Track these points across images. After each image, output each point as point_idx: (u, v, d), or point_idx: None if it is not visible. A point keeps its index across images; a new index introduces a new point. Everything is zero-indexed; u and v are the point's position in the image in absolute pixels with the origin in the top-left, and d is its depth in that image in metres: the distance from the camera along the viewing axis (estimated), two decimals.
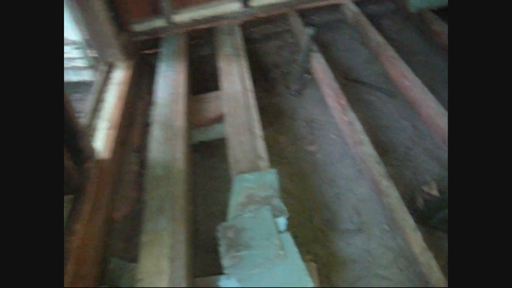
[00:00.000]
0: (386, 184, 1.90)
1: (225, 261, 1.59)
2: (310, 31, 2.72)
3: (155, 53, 3.05)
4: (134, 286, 1.60)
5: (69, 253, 1.56)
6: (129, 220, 2.12)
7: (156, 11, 3.12)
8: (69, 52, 2.82)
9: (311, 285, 1.51)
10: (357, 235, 2.02)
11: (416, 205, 2.06)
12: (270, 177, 1.94)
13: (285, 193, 2.18)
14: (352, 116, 2.32)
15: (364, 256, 1.93)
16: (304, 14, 3.43)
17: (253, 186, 1.90)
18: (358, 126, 2.25)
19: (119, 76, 2.70)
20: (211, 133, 2.60)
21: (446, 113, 2.23)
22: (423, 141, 2.45)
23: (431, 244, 1.74)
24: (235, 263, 1.58)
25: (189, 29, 3.21)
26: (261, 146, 2.16)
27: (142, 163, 2.30)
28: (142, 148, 2.43)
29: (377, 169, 1.98)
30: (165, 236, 1.73)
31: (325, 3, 3.38)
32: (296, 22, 3.22)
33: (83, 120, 2.30)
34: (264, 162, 2.07)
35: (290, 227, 1.79)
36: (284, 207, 1.78)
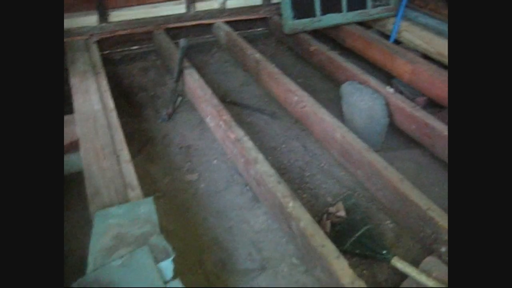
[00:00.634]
0: (293, 206, 1.55)
1: None
2: (184, 42, 2.34)
3: None
4: None
5: None
6: None
7: None
8: None
9: None
10: (261, 275, 1.62)
11: (324, 230, 1.74)
12: (145, 208, 1.46)
13: (164, 232, 1.69)
14: (239, 133, 1.96)
15: None
16: (172, 35, 3.07)
17: (123, 222, 1.40)
18: (248, 143, 1.90)
19: None
20: (64, 166, 1.99)
21: (343, 126, 2.03)
22: (317, 161, 2.21)
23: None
24: None
25: None
26: (130, 171, 1.67)
27: None
28: None
29: (280, 189, 1.63)
30: None
31: (195, 22, 3.08)
32: (164, 41, 2.84)
33: None
34: (135, 192, 1.57)
35: (176, 275, 1.30)
36: (168, 245, 1.32)
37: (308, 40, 2.94)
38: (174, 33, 3.11)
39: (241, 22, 3.30)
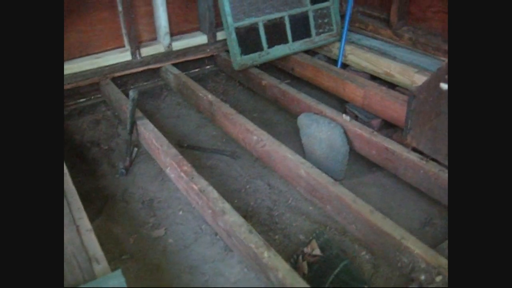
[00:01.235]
0: (269, 255, 1.51)
1: None
2: (133, 94, 2.28)
3: None
4: None
5: None
6: None
7: None
8: None
9: None
10: None
11: (301, 272, 1.71)
12: (115, 282, 1.37)
13: None
14: (203, 183, 1.90)
15: None
16: (120, 83, 3.00)
17: None
18: (213, 193, 1.85)
19: None
20: None
21: (306, 161, 2.02)
22: (284, 198, 2.18)
23: None
24: None
25: None
26: (92, 242, 1.57)
27: None
28: None
29: (253, 239, 1.58)
30: None
31: (142, 68, 3.02)
32: (112, 91, 2.76)
33: None
34: (101, 264, 1.48)
35: None
36: None
37: (258, 74, 2.95)
38: (122, 81, 3.04)
39: (189, 62, 3.28)
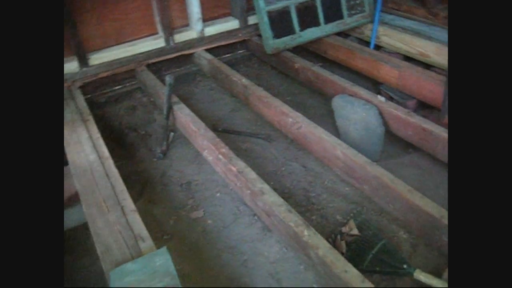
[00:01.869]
0: (309, 234, 1.53)
1: None
2: (170, 79, 2.32)
3: None
4: None
5: None
6: None
7: None
8: None
9: None
10: None
11: (340, 251, 1.72)
12: (161, 260, 1.42)
13: (180, 277, 1.65)
14: (241, 165, 1.94)
15: None
16: (154, 70, 3.05)
17: (141, 278, 1.35)
18: (252, 174, 1.88)
19: None
20: (65, 222, 1.95)
21: (342, 142, 2.02)
22: (320, 180, 2.19)
23: None
24: None
25: None
26: (137, 222, 1.63)
27: None
28: None
29: (292, 218, 1.61)
30: None
31: (175, 54, 3.06)
32: (148, 77, 2.82)
33: None
34: (146, 242, 1.54)
35: None
36: None
37: (291, 57, 2.95)
38: (156, 67, 3.09)
39: (221, 47, 3.30)
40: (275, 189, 2.09)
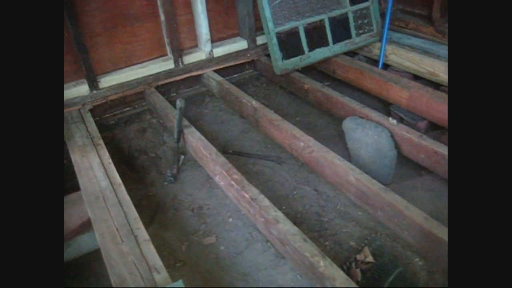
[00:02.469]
0: (325, 265, 1.51)
1: None
2: (181, 103, 2.33)
3: None
4: None
5: None
6: None
7: None
8: None
9: None
10: None
11: (355, 279, 1.71)
12: None
13: None
14: (254, 191, 1.93)
15: None
16: (163, 91, 3.06)
17: None
18: (265, 201, 1.87)
19: None
20: (76, 249, 1.95)
21: (355, 168, 2.01)
22: (332, 204, 2.18)
23: None
24: None
25: None
26: (152, 252, 1.62)
27: None
28: None
29: (308, 248, 1.59)
30: None
31: (184, 76, 3.07)
32: (158, 99, 2.83)
33: None
34: (161, 274, 1.52)
35: None
36: None
37: (300, 78, 2.95)
38: (165, 89, 3.10)
39: (230, 67, 3.31)
40: (287, 214, 2.09)
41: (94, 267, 1.93)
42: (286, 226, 1.71)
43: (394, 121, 2.33)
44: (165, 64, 2.99)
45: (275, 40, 2.81)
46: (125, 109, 3.01)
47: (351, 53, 3.34)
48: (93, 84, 2.73)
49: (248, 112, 2.74)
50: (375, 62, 3.24)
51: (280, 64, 2.87)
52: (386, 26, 3.12)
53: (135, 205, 1.90)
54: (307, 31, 2.93)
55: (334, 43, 3.06)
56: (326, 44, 3.03)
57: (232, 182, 2.01)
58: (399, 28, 3.39)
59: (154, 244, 1.68)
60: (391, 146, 2.24)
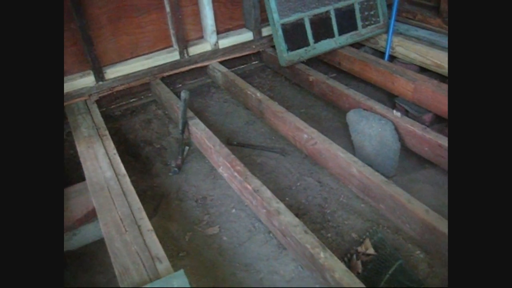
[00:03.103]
0: (325, 256, 1.53)
1: None
2: (185, 95, 2.34)
3: None
4: None
5: None
6: None
7: None
8: None
9: None
10: None
11: (355, 271, 1.72)
12: (179, 282, 1.43)
13: None
14: (256, 183, 1.94)
15: None
16: (168, 83, 3.07)
17: None
18: (267, 192, 1.88)
19: None
20: (82, 238, 1.98)
21: (358, 160, 2.02)
22: (335, 196, 2.19)
23: None
24: None
25: None
26: (154, 242, 1.64)
27: None
28: None
29: (308, 240, 1.61)
30: None
31: (190, 67, 3.08)
32: (163, 90, 2.84)
33: None
34: (164, 264, 1.55)
35: None
36: None
37: (305, 70, 2.95)
38: (170, 80, 3.12)
39: (235, 59, 3.31)
40: (290, 205, 2.11)
41: (98, 256, 1.95)
42: (288, 218, 1.73)
43: (398, 114, 2.32)
44: (171, 56, 3.00)
45: (280, 32, 2.80)
46: (131, 100, 3.03)
47: (357, 45, 3.33)
48: (99, 75, 2.75)
49: (252, 103, 2.75)
50: (381, 54, 3.23)
51: (285, 55, 2.86)
52: (393, 17, 3.10)
53: (139, 196, 1.93)
54: (313, 22, 2.92)
55: (340, 34, 3.05)
56: (331, 35, 3.02)
57: (235, 173, 2.03)
58: (406, 20, 3.36)
59: (158, 234, 1.70)
60: (395, 138, 2.24)
